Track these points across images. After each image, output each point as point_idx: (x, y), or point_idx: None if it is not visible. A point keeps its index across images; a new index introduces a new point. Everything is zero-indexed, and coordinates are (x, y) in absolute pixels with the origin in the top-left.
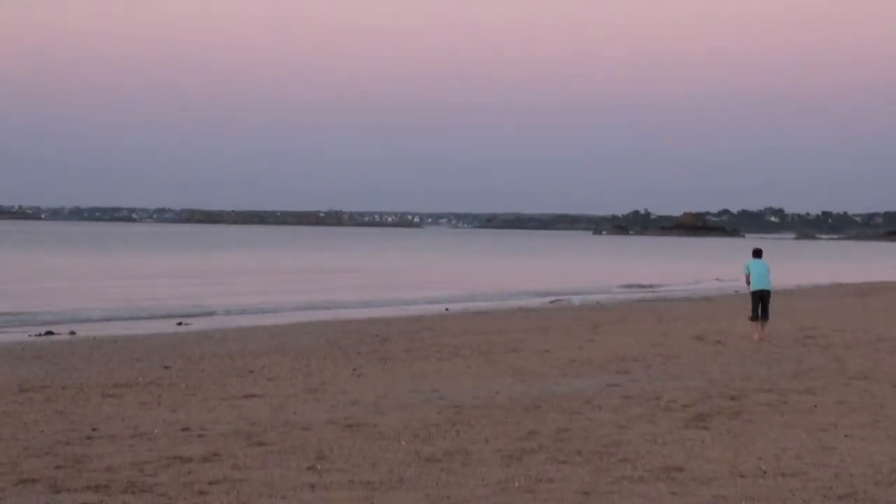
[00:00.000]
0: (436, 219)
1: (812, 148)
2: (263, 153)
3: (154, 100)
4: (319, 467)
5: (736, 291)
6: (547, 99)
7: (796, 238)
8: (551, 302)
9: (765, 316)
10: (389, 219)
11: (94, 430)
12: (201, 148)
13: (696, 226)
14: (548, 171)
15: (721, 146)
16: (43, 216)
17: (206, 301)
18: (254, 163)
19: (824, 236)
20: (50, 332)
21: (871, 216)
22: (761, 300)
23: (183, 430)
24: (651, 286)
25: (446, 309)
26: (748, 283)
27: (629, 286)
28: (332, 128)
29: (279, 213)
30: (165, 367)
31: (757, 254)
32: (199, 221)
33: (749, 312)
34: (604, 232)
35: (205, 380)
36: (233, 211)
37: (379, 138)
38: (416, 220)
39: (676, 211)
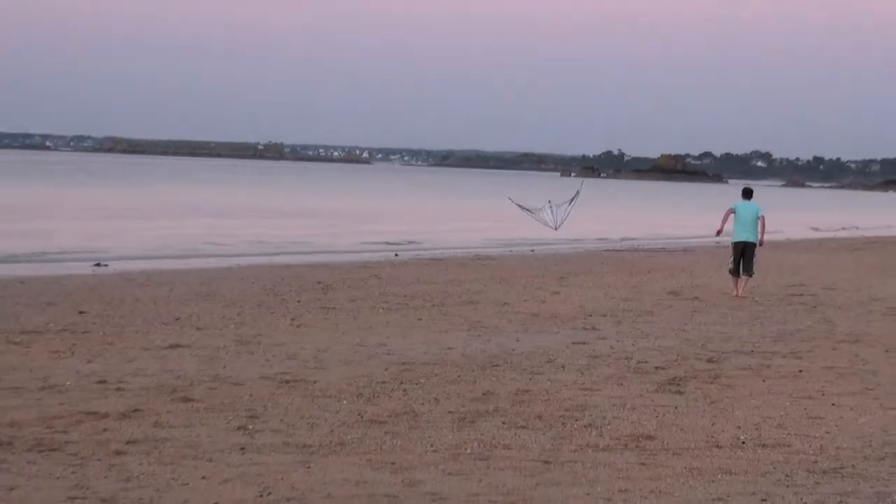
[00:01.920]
0: (386, 155)
1: (804, 86)
2: (195, 79)
3: (68, 15)
4: (251, 427)
5: (717, 243)
6: (513, 23)
7: (784, 185)
8: (510, 250)
9: (746, 270)
10: (335, 153)
11: None
12: (125, 72)
13: (674, 169)
14: (512, 105)
15: (705, 80)
16: None
17: (128, 241)
18: (185, 89)
19: (815, 184)
20: None
21: (867, 163)
22: (743, 253)
23: (99, 382)
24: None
25: (396, 255)
26: (722, 222)
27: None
28: (272, 53)
29: (213, 145)
30: (80, 313)
31: (746, 194)
32: (123, 151)
33: (729, 264)
34: (572, 174)
35: (125, 327)
36: (160, 140)
37: (325, 66)
38: (365, 155)
39: (653, 152)
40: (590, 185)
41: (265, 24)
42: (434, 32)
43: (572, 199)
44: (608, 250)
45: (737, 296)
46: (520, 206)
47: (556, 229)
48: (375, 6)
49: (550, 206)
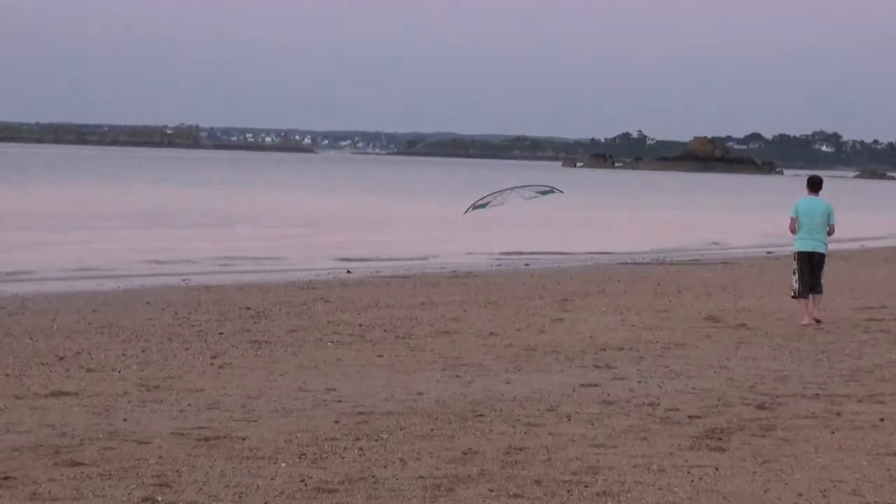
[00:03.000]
0: (335, 141)
1: (884, 52)
2: (78, 50)
3: None
4: (160, 499)
5: (769, 253)
6: None
7: (858, 176)
8: (499, 264)
9: (816, 287)
10: (268, 139)
11: None
12: None
13: (711, 156)
14: (499, 76)
15: (749, 43)
16: None
17: None
18: (71, 61)
19: None
20: None
21: None
22: (810, 265)
23: None
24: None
25: (348, 271)
26: (793, 232)
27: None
28: (180, 15)
29: (106, 129)
30: None
31: (813, 186)
32: None
33: (792, 284)
34: (579, 164)
35: None
36: (37, 124)
37: (252, 31)
38: (307, 142)
39: (684, 134)
40: (601, 178)
41: None
42: None
43: (546, 192)
44: (625, 263)
45: (806, 324)
46: (475, 206)
47: (503, 205)
48: None
49: (513, 190)
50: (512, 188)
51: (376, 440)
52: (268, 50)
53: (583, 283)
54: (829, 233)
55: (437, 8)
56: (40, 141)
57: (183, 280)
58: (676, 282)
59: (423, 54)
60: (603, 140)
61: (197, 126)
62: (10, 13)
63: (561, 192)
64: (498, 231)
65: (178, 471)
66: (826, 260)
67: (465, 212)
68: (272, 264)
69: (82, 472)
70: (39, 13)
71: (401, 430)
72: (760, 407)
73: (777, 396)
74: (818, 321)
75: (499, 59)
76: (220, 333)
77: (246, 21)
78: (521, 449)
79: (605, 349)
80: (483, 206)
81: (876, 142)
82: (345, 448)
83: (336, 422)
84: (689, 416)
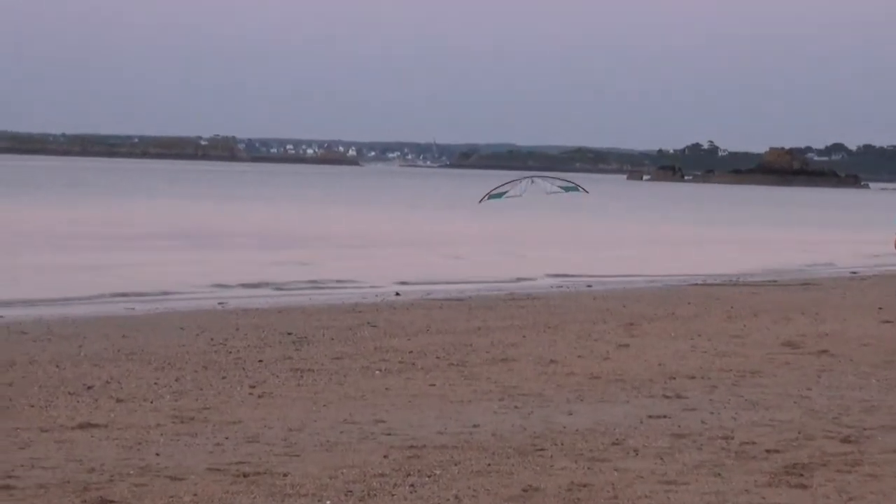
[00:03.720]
0: (381, 152)
1: None
2: (106, 54)
3: None
4: None
5: (854, 273)
6: None
7: None
8: (560, 286)
9: None
10: (310, 151)
11: None
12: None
13: (789, 169)
14: (559, 84)
15: (835, 43)
16: None
17: (16, 278)
18: (98, 69)
19: None
20: None
21: None
22: None
23: None
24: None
25: (397, 294)
26: None
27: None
28: (217, 19)
29: (136, 140)
30: None
31: None
32: (12, 151)
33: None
34: (645, 177)
35: (14, 400)
36: (63, 135)
37: (291, 33)
38: (352, 153)
39: (759, 145)
40: (670, 192)
41: None
42: None
43: (569, 188)
44: (696, 285)
45: None
46: (491, 195)
47: (520, 196)
48: None
49: (533, 181)
50: (532, 178)
51: (429, 476)
52: (309, 56)
53: (650, 305)
54: None
55: (491, 10)
56: (66, 153)
57: (219, 303)
58: (751, 304)
59: (477, 60)
60: (671, 151)
61: (233, 137)
62: (32, 16)
63: (586, 191)
64: (557, 251)
65: None
66: None
67: (481, 201)
68: (315, 286)
69: None
70: (61, 17)
71: (455, 465)
72: (845, 440)
73: (864, 429)
74: None
75: (558, 66)
76: (260, 361)
77: (284, 26)
78: (584, 486)
79: (674, 377)
80: (499, 195)
81: None
82: (395, 485)
83: (385, 456)
84: (767, 451)
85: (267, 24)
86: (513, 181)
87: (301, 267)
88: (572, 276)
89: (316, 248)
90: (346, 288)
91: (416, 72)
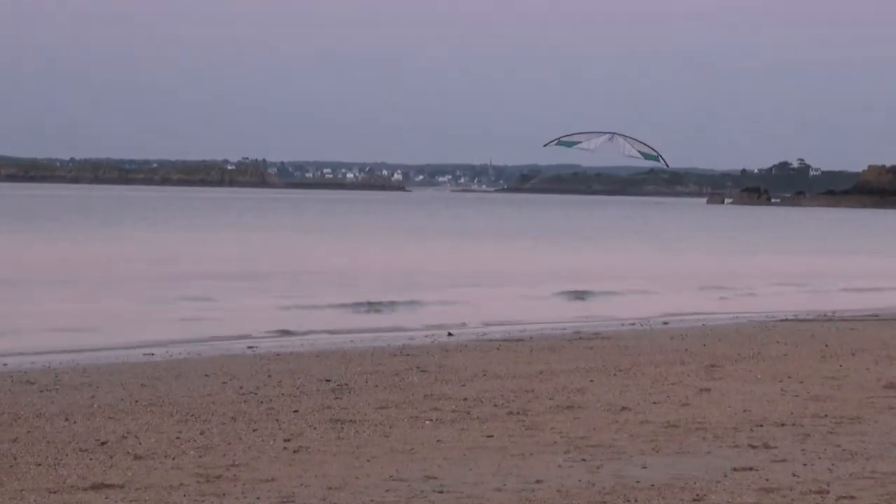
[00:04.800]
0: (431, 175)
1: None
2: (121, 70)
3: None
4: None
5: None
6: None
7: None
8: (632, 324)
9: None
10: (350, 175)
11: None
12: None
13: (891, 189)
14: (629, 97)
15: None
16: None
17: (24, 322)
18: (111, 88)
19: None
20: None
21: None
22: None
23: None
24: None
25: (449, 335)
26: None
27: (766, 288)
28: (243, 31)
29: (155, 165)
30: None
31: None
32: (15, 179)
33: None
34: (727, 200)
35: (20, 457)
36: (72, 160)
37: (327, 46)
38: (397, 177)
39: (857, 163)
40: (756, 216)
41: None
42: None
43: (650, 156)
44: (786, 320)
45: None
46: (561, 141)
47: (591, 150)
48: None
49: (614, 137)
50: (613, 134)
51: None
52: (348, 70)
53: (734, 345)
54: None
55: (563, 15)
56: (76, 180)
57: (249, 347)
58: (849, 342)
59: (537, 72)
60: (756, 171)
61: (264, 160)
62: (29, 22)
63: (667, 165)
64: (621, 283)
65: None
66: None
67: (546, 144)
68: (355, 326)
69: None
70: (61, 28)
71: None
72: None
73: None
74: None
75: (628, 78)
76: (295, 411)
77: (319, 36)
78: None
79: (761, 425)
80: (569, 144)
81: None
82: None
83: None
84: None
85: (300, 34)
86: (590, 132)
87: (335, 303)
88: (641, 313)
89: (350, 284)
90: (392, 329)
91: (468, 86)
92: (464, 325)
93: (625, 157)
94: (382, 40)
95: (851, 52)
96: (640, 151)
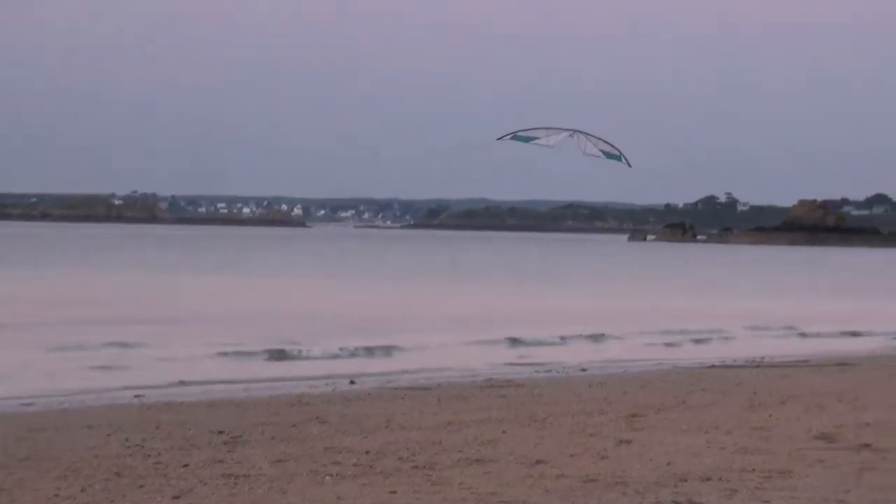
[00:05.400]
0: (333, 210)
1: None
2: None
3: None
4: None
5: None
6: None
7: None
8: (547, 370)
9: None
10: (246, 210)
11: None
12: None
13: (823, 225)
14: (541, 124)
15: (865, 81)
16: None
17: None
18: None
19: None
20: None
21: None
22: None
23: None
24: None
25: (351, 382)
26: None
27: (689, 334)
28: (127, 61)
29: (34, 199)
30: None
31: None
32: None
33: None
34: (650, 236)
35: None
36: None
37: (222, 73)
38: (297, 212)
39: (786, 198)
40: (679, 254)
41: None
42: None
43: (612, 156)
44: (712, 367)
45: None
46: (517, 135)
47: (550, 147)
48: None
49: (575, 134)
50: (575, 130)
51: None
52: (243, 98)
53: (657, 393)
54: None
55: (467, 43)
56: None
57: (136, 396)
58: (778, 390)
59: (446, 102)
60: (681, 206)
61: (154, 194)
62: None
63: (629, 165)
64: (540, 328)
65: None
66: None
67: (500, 138)
68: (250, 373)
69: None
70: None
71: None
72: None
73: None
74: None
75: (541, 105)
76: (185, 466)
77: (212, 62)
78: None
79: (686, 479)
80: (526, 139)
81: None
82: None
83: None
84: None
85: (191, 59)
86: (550, 127)
87: (227, 349)
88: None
89: (241, 328)
90: (290, 377)
91: (374, 116)
92: (366, 372)
93: (585, 155)
94: (279, 69)
95: (781, 81)
96: (601, 150)
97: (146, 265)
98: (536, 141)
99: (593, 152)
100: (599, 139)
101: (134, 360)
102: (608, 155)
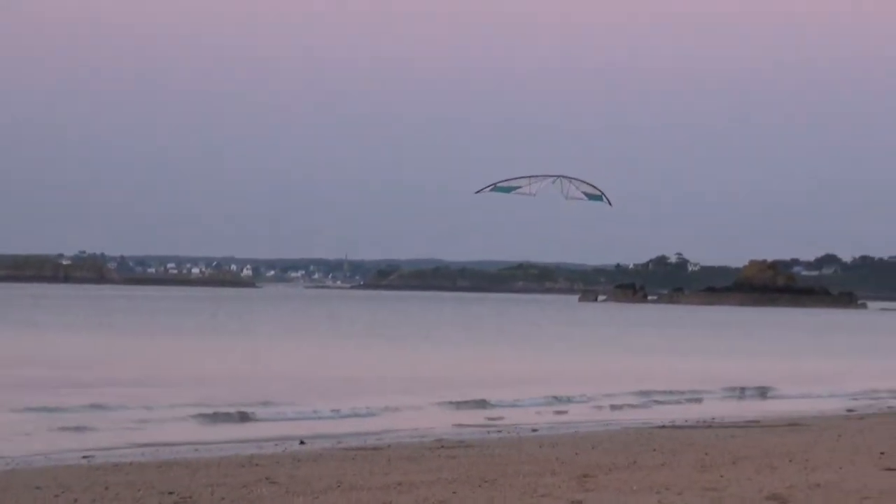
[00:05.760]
0: (283, 271)
1: None
2: None
3: None
4: None
5: (850, 411)
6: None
7: None
8: (498, 431)
9: None
10: (195, 270)
11: None
12: None
13: (773, 286)
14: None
15: (822, 138)
16: None
17: None
18: None
19: None
20: None
21: None
22: None
23: None
24: (677, 392)
25: (301, 442)
26: None
27: (643, 395)
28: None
29: None
30: None
31: None
32: None
33: None
34: (601, 297)
35: None
36: None
37: (171, 136)
38: (247, 272)
39: (737, 258)
40: (630, 314)
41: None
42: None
43: (594, 197)
44: (663, 427)
45: None
46: (497, 187)
47: (533, 195)
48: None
49: (557, 179)
50: (558, 176)
51: None
52: (193, 159)
53: (608, 453)
54: None
55: (418, 106)
56: None
57: (84, 457)
58: (730, 450)
59: (397, 163)
60: (631, 266)
61: (103, 255)
62: None
63: (610, 204)
64: (492, 389)
65: None
66: None
67: (479, 191)
68: (200, 434)
69: None
70: None
71: None
72: None
73: None
74: None
75: (493, 169)
76: None
77: (159, 128)
78: None
79: None
80: (507, 189)
81: None
82: None
83: None
84: None
85: (134, 124)
86: (532, 175)
87: (183, 415)
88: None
89: (199, 389)
90: (241, 438)
91: (322, 176)
92: (316, 433)
93: (567, 199)
94: (226, 130)
95: (733, 148)
96: (584, 192)
97: (93, 326)
98: (518, 190)
99: (576, 195)
100: (582, 181)
101: (83, 421)
102: (591, 196)
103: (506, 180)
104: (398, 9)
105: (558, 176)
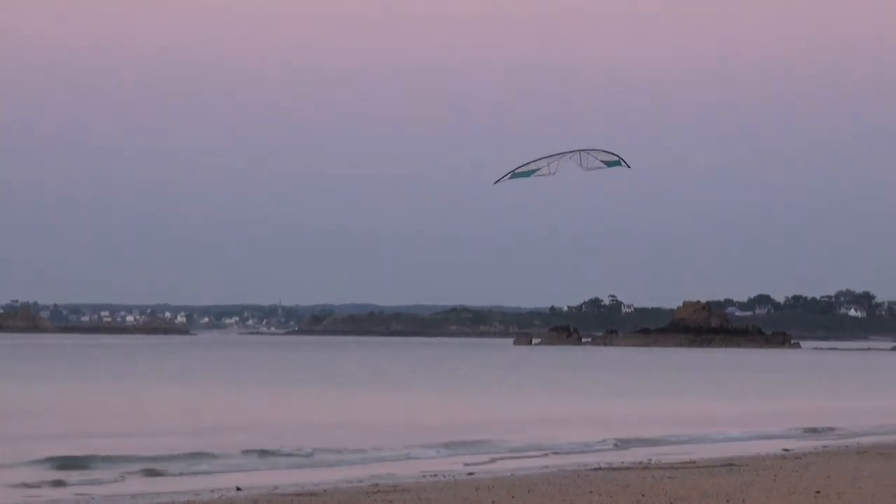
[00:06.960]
0: (217, 317)
1: None
2: None
3: None
4: None
5: (786, 451)
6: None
7: None
8: (434, 474)
9: None
10: (129, 318)
11: None
12: None
13: (707, 327)
14: (429, 234)
15: (753, 179)
16: None
17: None
18: None
19: None
20: None
21: None
22: None
23: None
24: (618, 442)
25: (238, 489)
26: None
27: (581, 438)
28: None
29: None
30: None
31: None
32: None
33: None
34: (535, 340)
35: None
36: None
37: (89, 190)
38: (181, 319)
39: (671, 300)
40: (564, 358)
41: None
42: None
43: (612, 163)
44: (599, 469)
45: None
46: (516, 173)
47: (552, 174)
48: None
49: (572, 155)
50: (572, 151)
51: None
52: (123, 202)
53: (543, 496)
54: None
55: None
56: None
57: None
58: (666, 492)
59: (328, 210)
60: (565, 309)
61: (35, 303)
62: None
63: (629, 166)
64: (429, 432)
65: None
66: None
67: (497, 181)
68: (135, 486)
69: None
70: None
71: None
72: None
73: None
74: None
75: (425, 214)
76: None
77: (93, 173)
78: None
79: None
80: (527, 174)
81: None
82: None
83: None
84: None
85: (68, 168)
86: (549, 155)
87: (118, 464)
88: (445, 466)
89: (133, 440)
90: (175, 488)
91: (256, 222)
92: (253, 482)
93: (586, 170)
94: (158, 178)
95: (666, 185)
96: (602, 161)
97: (18, 376)
98: (538, 173)
99: (595, 165)
100: (600, 150)
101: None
102: (609, 164)
103: (524, 164)
104: None
105: (576, 150)
